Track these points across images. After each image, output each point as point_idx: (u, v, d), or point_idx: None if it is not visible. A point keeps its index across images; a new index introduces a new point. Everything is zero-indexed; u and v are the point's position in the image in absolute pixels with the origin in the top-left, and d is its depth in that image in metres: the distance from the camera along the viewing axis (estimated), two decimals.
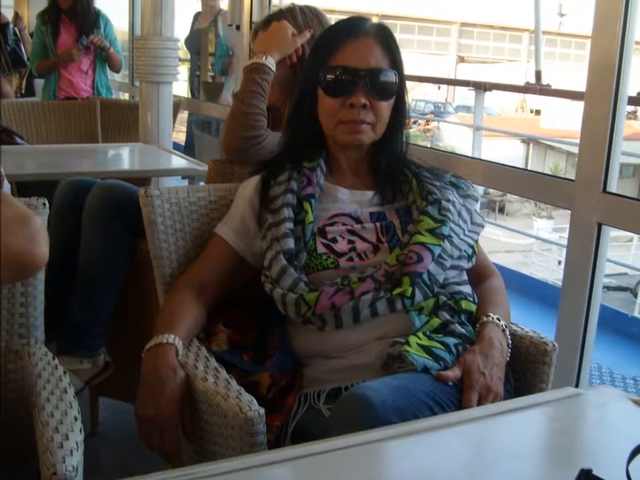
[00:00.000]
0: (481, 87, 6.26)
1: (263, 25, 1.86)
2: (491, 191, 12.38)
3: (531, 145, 18.05)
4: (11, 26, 4.85)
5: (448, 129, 19.16)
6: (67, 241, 1.87)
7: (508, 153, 14.80)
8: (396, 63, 1.38)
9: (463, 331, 1.27)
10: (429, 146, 12.30)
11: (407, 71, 1.42)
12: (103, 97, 4.19)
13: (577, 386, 1.77)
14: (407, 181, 1.41)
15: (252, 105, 1.70)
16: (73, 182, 1.95)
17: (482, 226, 1.43)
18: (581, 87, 1.90)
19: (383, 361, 1.22)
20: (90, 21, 4.11)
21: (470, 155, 5.24)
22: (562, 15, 27.39)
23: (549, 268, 9.76)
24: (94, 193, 1.84)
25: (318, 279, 1.29)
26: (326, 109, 1.38)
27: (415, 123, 17.19)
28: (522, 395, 1.28)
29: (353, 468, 0.84)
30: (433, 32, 29.74)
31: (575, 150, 1.81)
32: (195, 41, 5.55)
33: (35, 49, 4.22)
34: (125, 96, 5.23)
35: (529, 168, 14.45)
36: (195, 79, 5.70)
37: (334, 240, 1.33)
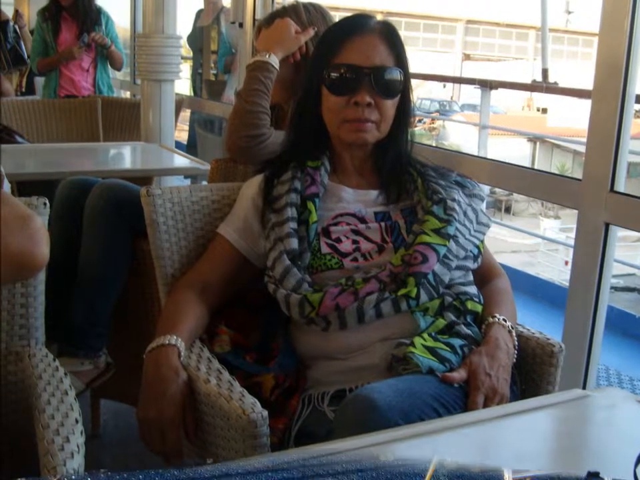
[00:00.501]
0: (486, 85, 6.25)
1: (266, 23, 1.85)
2: (497, 190, 12.36)
3: (538, 143, 18.00)
4: (11, 23, 4.85)
5: (453, 127, 19.13)
6: (67, 240, 1.86)
7: (514, 151, 14.76)
8: (401, 60, 1.37)
9: (468, 332, 1.26)
10: (434, 145, 12.27)
11: (412, 68, 1.41)
12: (104, 95, 4.18)
13: (584, 388, 1.75)
14: (412, 180, 1.40)
15: (255, 103, 1.69)
16: (74, 181, 1.94)
17: (488, 226, 1.42)
18: (588, 85, 1.88)
19: (388, 362, 1.21)
20: (91, 18, 4.09)
21: (476, 153, 5.23)
22: (569, 12, 27.35)
23: (555, 268, 9.72)
24: (95, 193, 1.83)
25: (322, 279, 1.28)
26: (330, 107, 1.37)
27: (420, 121, 17.21)
28: (528, 396, 1.28)
29: None
30: (439, 29, 29.71)
31: (582, 149, 1.80)
32: (198, 38, 5.56)
33: (36, 47, 4.20)
34: (127, 94, 5.21)
35: (535, 167, 14.42)
36: (197, 77, 5.71)
37: (338, 240, 1.32)
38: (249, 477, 0.80)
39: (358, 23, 1.37)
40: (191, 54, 5.94)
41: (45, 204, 1.26)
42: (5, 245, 0.97)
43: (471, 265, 1.35)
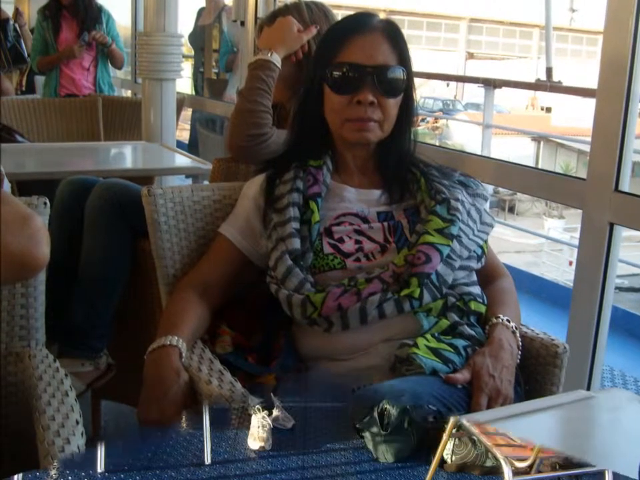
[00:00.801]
0: (490, 84, 6.23)
1: (268, 21, 1.85)
2: (500, 189, 12.35)
3: (542, 143, 17.98)
4: (12, 22, 4.85)
5: (457, 126, 19.11)
6: (67, 240, 1.85)
7: (518, 151, 14.73)
8: (404, 59, 1.36)
9: (472, 332, 1.25)
10: (437, 144, 12.25)
11: (415, 67, 1.40)
12: (104, 94, 4.18)
13: (588, 388, 1.74)
14: (415, 180, 1.39)
15: (257, 102, 1.69)
16: (74, 181, 1.93)
17: (491, 226, 1.41)
18: (592, 83, 1.87)
19: (391, 363, 1.20)
20: (91, 16, 4.09)
21: (479, 153, 5.21)
22: (573, 11, 27.34)
23: (559, 268, 9.69)
24: (95, 193, 1.83)
25: (324, 279, 1.28)
26: (332, 106, 1.36)
27: (423, 120, 17.16)
28: (532, 397, 1.26)
29: None
30: (442, 28, 29.70)
31: (587, 148, 1.80)
32: (199, 37, 5.55)
33: (36, 45, 4.20)
34: (128, 93, 5.21)
35: (539, 166, 14.40)
36: (198, 76, 5.70)
37: (341, 240, 1.31)
38: (247, 479, 0.80)
39: (360, 21, 1.36)
40: (192, 52, 5.93)
41: (45, 204, 1.26)
42: (5, 245, 0.96)
43: (474, 265, 1.34)
